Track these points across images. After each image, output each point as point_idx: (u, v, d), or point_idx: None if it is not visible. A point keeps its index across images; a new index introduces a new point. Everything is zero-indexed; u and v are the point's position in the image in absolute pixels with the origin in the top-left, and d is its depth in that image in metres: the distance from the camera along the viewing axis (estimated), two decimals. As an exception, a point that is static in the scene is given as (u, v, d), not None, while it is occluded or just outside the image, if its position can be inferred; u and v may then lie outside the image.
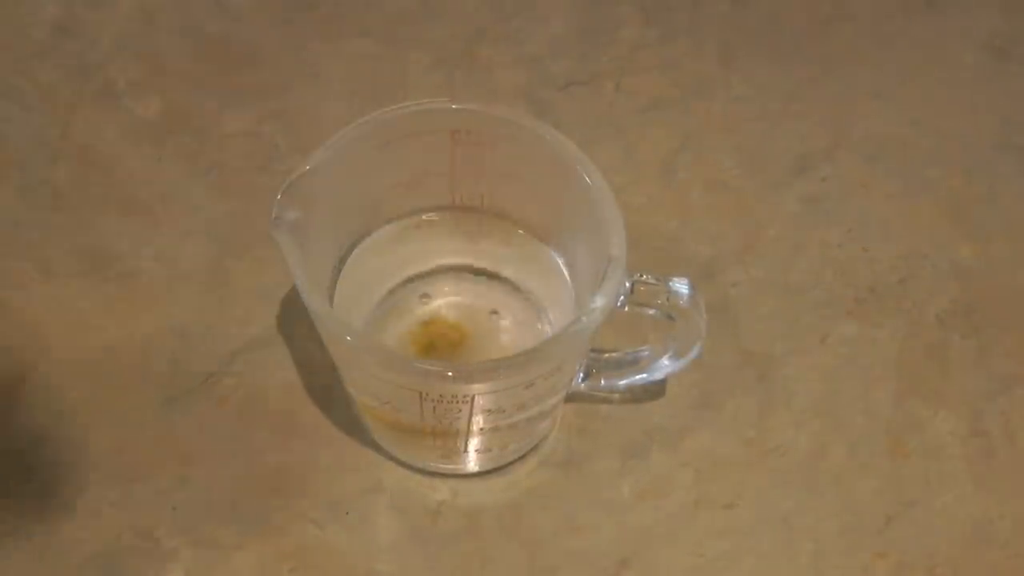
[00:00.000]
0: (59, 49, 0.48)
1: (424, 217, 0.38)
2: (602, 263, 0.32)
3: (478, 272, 0.39)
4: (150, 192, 0.43)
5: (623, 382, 0.37)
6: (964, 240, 0.44)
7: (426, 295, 0.38)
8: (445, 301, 0.39)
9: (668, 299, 0.33)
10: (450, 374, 0.31)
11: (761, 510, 0.37)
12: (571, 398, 0.38)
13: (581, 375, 0.37)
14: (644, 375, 0.37)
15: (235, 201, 0.43)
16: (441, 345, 0.37)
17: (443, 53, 0.49)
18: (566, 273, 0.37)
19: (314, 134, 0.44)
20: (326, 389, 0.39)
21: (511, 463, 0.38)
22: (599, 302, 0.31)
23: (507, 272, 0.39)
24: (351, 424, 0.38)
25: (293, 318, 0.40)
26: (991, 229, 0.45)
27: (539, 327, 0.38)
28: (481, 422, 0.34)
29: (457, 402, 0.32)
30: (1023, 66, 0.50)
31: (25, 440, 0.37)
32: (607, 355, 0.37)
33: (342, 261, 0.37)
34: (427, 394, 0.32)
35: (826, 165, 0.46)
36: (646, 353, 0.37)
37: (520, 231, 0.38)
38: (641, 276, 0.33)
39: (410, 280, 0.39)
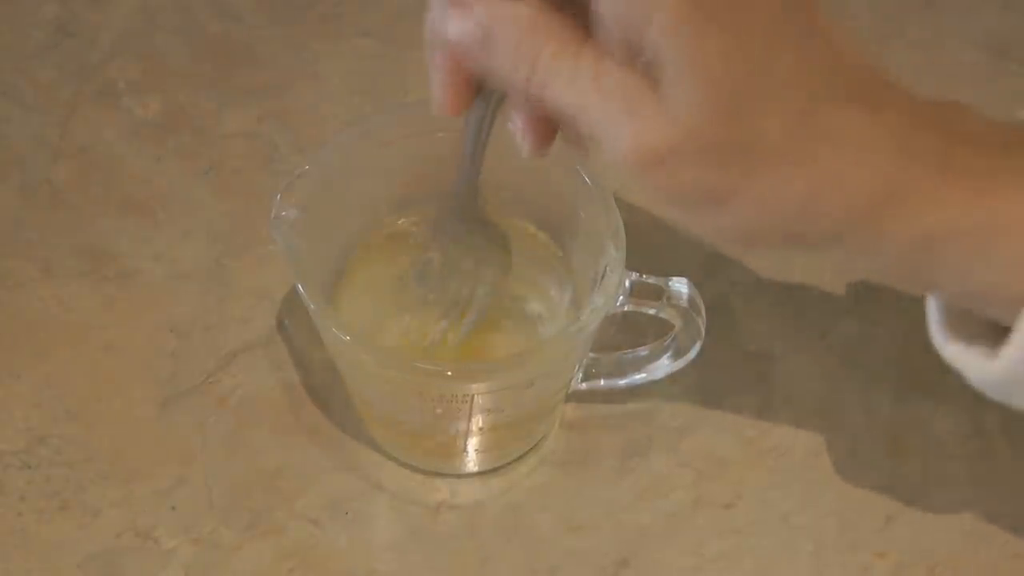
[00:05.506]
0: (59, 49, 0.47)
1: (423, 217, 0.38)
2: (602, 263, 0.32)
3: (478, 272, 0.39)
4: (150, 192, 0.43)
5: (623, 382, 0.37)
6: (964, 240, 0.44)
7: (433, 292, 0.38)
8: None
9: (668, 299, 0.33)
10: (450, 374, 0.31)
11: (761, 510, 0.37)
12: (571, 398, 0.38)
13: (581, 375, 0.37)
14: (644, 375, 0.37)
15: (235, 201, 0.43)
16: (440, 345, 0.37)
17: (443, 53, 0.48)
18: (566, 273, 0.37)
19: (314, 134, 0.44)
20: (326, 389, 0.39)
21: (511, 463, 0.38)
22: (598, 302, 0.31)
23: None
24: (351, 424, 0.38)
25: (293, 318, 0.40)
26: (991, 229, 0.45)
27: (539, 327, 0.38)
28: (481, 422, 0.34)
29: (457, 402, 0.32)
30: (1023, 66, 0.50)
31: (25, 440, 0.37)
32: (607, 355, 0.37)
33: (342, 261, 0.37)
34: (427, 394, 0.32)
35: (826, 165, 0.46)
36: (646, 353, 0.37)
37: (519, 230, 0.38)
38: (641, 276, 0.33)
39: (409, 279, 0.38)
